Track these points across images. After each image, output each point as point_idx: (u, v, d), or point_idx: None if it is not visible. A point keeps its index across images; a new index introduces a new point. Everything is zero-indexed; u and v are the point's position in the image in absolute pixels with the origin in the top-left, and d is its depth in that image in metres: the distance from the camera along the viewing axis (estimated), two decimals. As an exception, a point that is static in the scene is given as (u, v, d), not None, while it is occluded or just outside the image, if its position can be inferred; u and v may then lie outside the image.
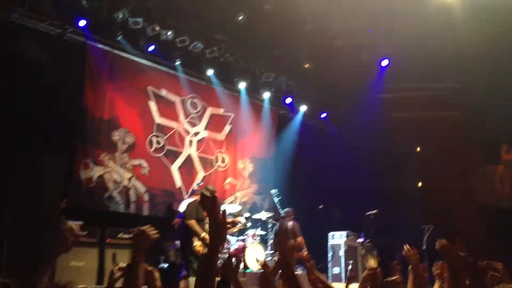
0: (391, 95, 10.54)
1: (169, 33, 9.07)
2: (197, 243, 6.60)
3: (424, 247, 8.62)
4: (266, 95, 11.24)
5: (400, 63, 10.34)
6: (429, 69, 10.02)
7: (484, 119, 10.34)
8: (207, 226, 7.01)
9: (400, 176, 11.27)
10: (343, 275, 9.06)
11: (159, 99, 9.57)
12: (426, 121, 10.83)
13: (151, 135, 9.34)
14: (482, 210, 10.62)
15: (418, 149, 11.59)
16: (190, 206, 6.83)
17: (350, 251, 9.39)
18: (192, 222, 6.57)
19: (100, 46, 8.70)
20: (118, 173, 8.64)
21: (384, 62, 10.57)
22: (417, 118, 10.83)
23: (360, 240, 9.42)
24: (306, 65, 10.87)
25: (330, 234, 9.69)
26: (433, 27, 8.86)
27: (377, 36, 9.63)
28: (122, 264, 3.13)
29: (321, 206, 10.79)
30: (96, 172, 8.31)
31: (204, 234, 6.50)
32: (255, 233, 8.45)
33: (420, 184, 11.61)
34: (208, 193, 6.92)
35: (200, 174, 10.02)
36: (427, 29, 8.92)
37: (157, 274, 2.63)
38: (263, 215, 9.09)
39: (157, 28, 8.92)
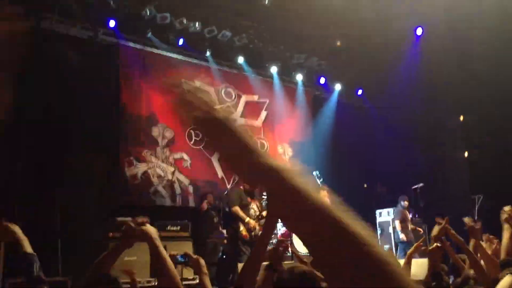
0: (428, 64, 10.21)
1: (197, 24, 9.10)
2: (243, 228, 6.68)
3: (476, 217, 8.36)
4: (299, 77, 11.12)
5: (435, 30, 9.97)
6: (465, 34, 9.62)
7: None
8: (252, 211, 7.09)
9: (444, 147, 10.94)
10: (394, 251, 8.93)
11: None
12: (467, 89, 10.44)
13: (189, 128, 9.41)
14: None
15: (462, 117, 11.20)
16: (233, 193, 6.90)
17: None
18: (236, 209, 6.66)
19: (131, 44, 8.83)
20: (161, 168, 8.80)
21: (419, 31, 10.21)
22: (456, 86, 10.45)
23: (409, 215, 9.24)
24: (338, 43, 10.66)
25: (378, 211, 9.56)
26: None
27: (408, 4, 9.31)
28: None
29: (366, 185, 10.65)
30: (140, 168, 8.50)
31: (248, 220, 6.56)
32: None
33: (466, 153, 11.23)
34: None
35: (241, 162, 10.05)
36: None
37: (202, 261, 2.65)
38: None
39: (185, 21, 8.97)
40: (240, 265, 6.28)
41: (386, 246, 9.04)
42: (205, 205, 7.51)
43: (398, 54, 10.39)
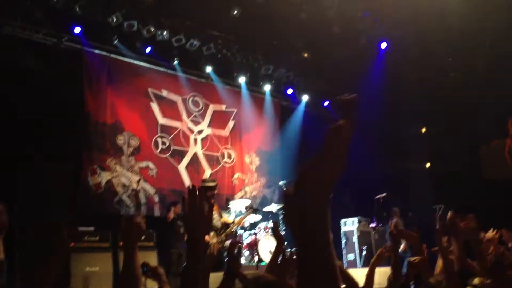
0: (392, 77, 10.48)
1: (165, 33, 9.06)
2: (211, 241, 6.70)
3: (437, 227, 8.57)
4: (267, 87, 11.20)
5: (399, 45, 10.27)
6: (428, 48, 9.96)
7: (488, 94, 10.25)
8: (214, 221, 7.10)
9: (407, 158, 11.22)
10: (358, 261, 9.05)
11: (160, 100, 9.57)
12: (430, 101, 10.77)
13: (155, 136, 9.36)
14: (491, 185, 10.54)
15: (424, 129, 11.53)
16: None
17: (364, 237, 9.38)
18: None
19: (97, 51, 8.72)
20: (126, 177, 8.67)
21: (383, 45, 10.48)
22: (420, 99, 10.77)
23: (373, 225, 9.40)
24: (305, 54, 10.82)
25: (342, 221, 9.68)
26: (426, 5, 8.77)
27: (373, 19, 9.57)
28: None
29: (331, 195, 10.75)
30: (103, 177, 8.35)
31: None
32: (267, 226, 8.45)
33: (428, 164, 11.55)
34: (208, 183, 7.09)
35: (207, 171, 10.03)
36: (421, 7, 8.83)
37: (160, 270, 2.62)
38: (273, 208, 9.09)
39: (152, 29, 8.92)
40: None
41: (351, 255, 9.16)
42: (171, 215, 7.45)
43: (363, 67, 10.63)
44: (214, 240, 6.97)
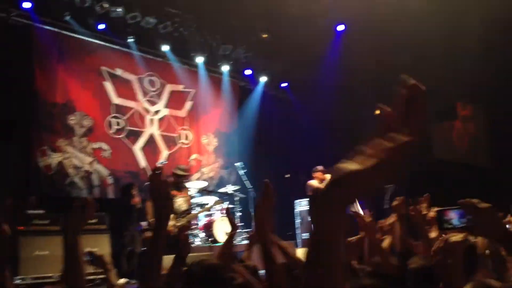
0: (349, 59, 10.61)
1: (119, 9, 8.78)
2: (170, 223, 6.69)
3: (386, 207, 8.86)
4: (225, 68, 11.10)
5: (356, 28, 10.37)
6: (384, 31, 10.10)
7: (440, 78, 10.57)
8: (176, 204, 7.09)
9: (363, 139, 11.45)
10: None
11: (114, 79, 9.32)
12: (385, 84, 10.98)
13: (109, 116, 9.13)
14: (442, 166, 10.97)
15: (378, 111, 11.78)
16: None
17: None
18: (148, 204, 6.77)
19: (47, 27, 8.35)
20: (78, 158, 8.44)
21: (340, 27, 10.56)
22: (376, 82, 10.96)
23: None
24: (264, 35, 10.76)
25: (297, 201, 9.83)
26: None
27: (331, 1, 9.60)
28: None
29: (287, 175, 10.90)
30: (54, 158, 8.10)
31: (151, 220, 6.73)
32: (222, 207, 8.48)
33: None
34: (180, 172, 7.08)
35: (164, 152, 9.91)
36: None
37: (106, 258, 2.59)
38: (230, 189, 9.13)
39: (106, 5, 8.61)
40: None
41: (305, 234, 9.35)
42: (137, 199, 7.31)
43: (321, 48, 10.70)
44: (172, 223, 6.99)
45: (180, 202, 7.32)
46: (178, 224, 7.10)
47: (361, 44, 10.38)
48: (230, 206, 8.82)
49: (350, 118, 11.46)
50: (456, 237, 2.40)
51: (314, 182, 8.37)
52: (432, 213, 4.01)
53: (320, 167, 8.50)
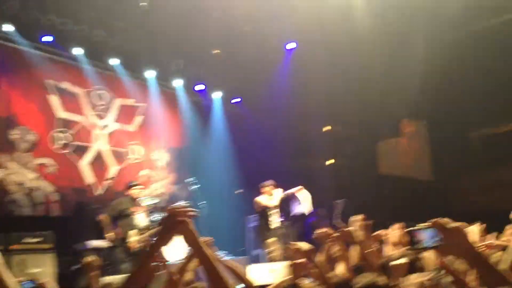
0: (300, 76, 10.85)
1: (67, 22, 8.54)
2: (131, 239, 6.63)
3: (338, 221, 9.04)
4: (177, 83, 11.03)
5: (307, 46, 10.64)
6: (333, 50, 10.42)
7: (385, 96, 11.00)
8: (136, 220, 6.95)
9: (312, 155, 11.69)
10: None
11: (60, 92, 9.02)
12: (334, 102, 11.29)
13: (55, 131, 8.80)
14: (388, 181, 11.35)
15: (328, 128, 12.08)
16: (114, 201, 7.14)
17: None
18: (103, 218, 6.69)
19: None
20: (21, 174, 8.06)
21: (290, 45, 10.79)
22: (325, 99, 11.26)
23: (281, 219, 9.63)
24: (216, 51, 10.80)
25: (249, 216, 9.81)
26: (333, 11, 9.18)
27: (282, 20, 9.82)
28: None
29: (239, 191, 10.89)
30: (-6, 175, 7.69)
31: (109, 234, 6.80)
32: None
33: (331, 161, 12.12)
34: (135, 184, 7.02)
35: (113, 168, 9.66)
36: (327, 12, 9.22)
37: (50, 285, 2.52)
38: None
39: (54, 18, 8.36)
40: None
41: (255, 251, 9.34)
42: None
43: (274, 65, 10.88)
44: (135, 239, 6.85)
45: (140, 218, 7.18)
46: (140, 239, 6.96)
47: (310, 62, 10.66)
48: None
49: (300, 134, 11.68)
50: (400, 260, 2.50)
51: (261, 198, 8.40)
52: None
53: (268, 182, 8.54)
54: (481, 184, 10.80)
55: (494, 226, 4.92)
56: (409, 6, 9.22)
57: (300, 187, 8.50)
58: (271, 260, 7.87)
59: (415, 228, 1.90)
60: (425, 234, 1.66)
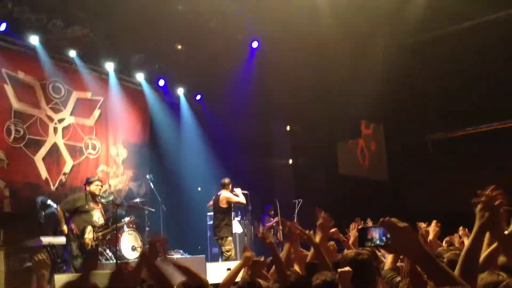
0: (262, 76, 10.88)
1: (24, 10, 8.19)
2: (88, 236, 6.46)
3: (295, 220, 9.16)
4: (138, 77, 10.80)
5: (271, 44, 10.68)
6: (297, 50, 10.51)
7: (346, 97, 11.21)
8: (95, 217, 6.77)
9: (272, 155, 11.77)
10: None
11: (15, 82, 8.64)
12: (295, 101, 11.41)
13: (8, 122, 8.44)
14: (346, 181, 11.57)
15: (288, 128, 12.20)
16: (73, 195, 7.07)
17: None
18: (60, 210, 6.56)
19: None
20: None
21: (254, 44, 10.81)
22: (286, 98, 11.35)
23: (237, 218, 9.67)
24: (179, 46, 10.66)
25: (209, 214, 9.78)
26: (298, 11, 9.27)
27: (246, 18, 9.81)
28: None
29: (199, 189, 10.82)
30: None
31: (63, 228, 6.66)
32: (131, 221, 8.19)
33: (290, 161, 12.24)
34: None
35: (69, 163, 9.36)
36: (292, 13, 9.29)
37: None
38: (138, 202, 8.89)
39: (9, 5, 8.00)
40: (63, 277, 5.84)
41: (215, 249, 9.32)
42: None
43: (236, 63, 10.86)
44: (91, 236, 6.68)
45: (98, 215, 7.01)
46: (96, 236, 6.82)
47: (274, 60, 10.71)
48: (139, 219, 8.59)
49: (262, 132, 11.73)
50: (346, 268, 2.57)
51: (230, 195, 8.32)
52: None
53: (227, 180, 8.49)
54: (435, 187, 11.20)
55: (446, 227, 5.12)
56: (372, 8, 9.41)
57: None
58: (229, 258, 7.86)
59: (367, 226, 1.95)
60: (377, 232, 1.70)
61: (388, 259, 3.17)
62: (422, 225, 4.86)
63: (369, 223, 4.58)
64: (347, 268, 2.60)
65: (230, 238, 8.14)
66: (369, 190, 11.72)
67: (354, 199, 10.95)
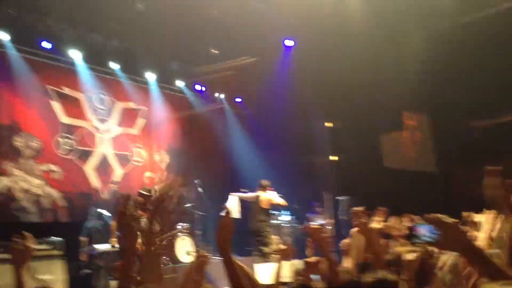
0: (299, 74, 10.84)
1: (65, 27, 8.55)
2: (139, 242, 6.64)
3: (340, 218, 9.07)
4: (177, 84, 11.05)
5: (304, 42, 10.63)
6: (331, 45, 10.41)
7: (385, 89, 10.99)
8: (142, 223, 6.94)
9: (314, 152, 11.69)
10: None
11: (62, 97, 9.04)
12: (334, 97, 11.29)
13: (58, 136, 8.83)
14: (391, 174, 11.34)
15: (329, 124, 12.08)
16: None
17: (275, 229, 9.59)
18: (112, 223, 6.69)
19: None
20: (27, 181, 8.09)
21: (289, 43, 10.80)
22: (325, 94, 11.25)
23: (288, 218, 9.68)
24: (214, 51, 10.80)
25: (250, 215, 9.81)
26: (329, 5, 9.18)
27: (279, 17, 9.81)
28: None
29: (244, 189, 10.89)
30: (1, 182, 7.72)
31: (114, 240, 6.82)
32: (185, 227, 8.36)
33: (334, 157, 12.12)
34: (146, 192, 7.06)
35: (118, 171, 9.68)
36: (323, 8, 9.21)
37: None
38: (188, 207, 9.08)
39: (52, 24, 8.38)
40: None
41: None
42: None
43: (272, 63, 10.88)
44: (140, 241, 6.89)
45: (145, 222, 7.18)
46: (152, 241, 6.98)
47: (308, 58, 10.65)
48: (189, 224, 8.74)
49: (302, 130, 11.67)
50: (411, 255, 2.51)
51: (271, 195, 8.35)
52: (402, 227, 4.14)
53: (266, 182, 8.50)
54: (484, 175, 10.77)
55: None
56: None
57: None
58: (271, 258, 7.86)
59: (416, 224, 1.92)
60: (424, 229, 1.68)
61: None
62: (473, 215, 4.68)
63: (416, 219, 4.48)
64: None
65: (272, 237, 8.18)
66: (417, 182, 11.43)
67: (401, 192, 10.72)
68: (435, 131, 12.45)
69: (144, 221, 7.08)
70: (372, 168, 11.35)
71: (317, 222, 10.27)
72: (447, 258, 2.96)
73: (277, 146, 11.21)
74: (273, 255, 7.93)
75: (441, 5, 9.50)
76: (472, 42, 10.32)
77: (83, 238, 7.61)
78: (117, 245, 6.81)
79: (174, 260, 7.69)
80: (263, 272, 6.87)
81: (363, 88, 10.80)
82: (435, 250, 3.93)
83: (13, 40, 8.22)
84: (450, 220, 1.59)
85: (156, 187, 10.38)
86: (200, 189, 9.48)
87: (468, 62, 10.55)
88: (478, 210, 4.86)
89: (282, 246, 3.47)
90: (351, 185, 10.68)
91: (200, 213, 9.04)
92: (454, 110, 11.40)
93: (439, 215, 1.60)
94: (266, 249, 8.05)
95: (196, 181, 9.67)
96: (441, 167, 12.26)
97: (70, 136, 9.01)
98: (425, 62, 10.54)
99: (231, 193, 8.53)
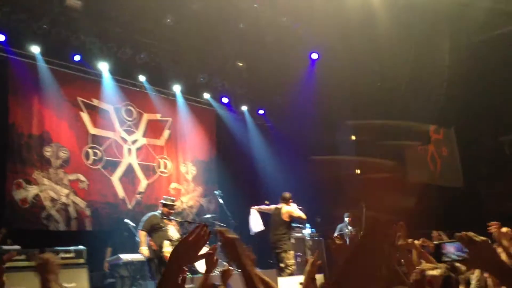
0: (323, 86, 10.84)
1: (95, 40, 8.80)
2: (165, 249, 6.74)
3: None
4: (203, 96, 11.18)
5: (330, 54, 10.64)
6: (357, 58, 10.39)
7: (411, 103, 10.87)
8: (169, 232, 7.04)
9: (339, 165, 11.60)
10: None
11: (91, 109, 9.27)
12: (359, 110, 11.23)
13: (86, 147, 9.04)
14: (417, 189, 11.15)
15: (354, 137, 12.00)
16: (146, 217, 7.18)
17: (298, 243, 9.53)
18: (140, 233, 6.78)
19: (22, 59, 8.31)
20: (55, 191, 8.30)
21: (314, 55, 10.82)
22: (350, 107, 11.21)
23: (308, 231, 9.60)
24: (240, 64, 10.92)
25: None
26: (355, 18, 9.18)
27: (305, 31, 9.86)
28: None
29: (267, 202, 10.88)
30: (30, 191, 7.95)
31: (141, 248, 6.87)
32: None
33: (358, 171, 12.01)
34: (169, 202, 7.14)
35: (143, 182, 9.82)
36: (349, 21, 9.22)
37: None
38: (209, 218, 9.11)
39: (82, 37, 8.63)
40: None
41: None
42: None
43: (297, 76, 10.91)
44: (169, 249, 6.96)
45: (173, 230, 7.28)
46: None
47: (335, 71, 10.65)
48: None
49: (326, 142, 11.62)
50: (434, 271, 2.47)
51: (291, 208, 8.30)
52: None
53: (288, 194, 8.45)
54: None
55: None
56: (432, 10, 9.13)
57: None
58: (292, 273, 7.77)
59: (443, 241, 1.89)
60: (452, 247, 1.65)
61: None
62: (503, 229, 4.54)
63: (444, 237, 4.39)
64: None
65: (292, 252, 8.09)
66: (443, 197, 11.21)
67: (427, 207, 10.52)
68: (463, 146, 12.22)
69: (170, 228, 7.03)
70: (397, 182, 11.17)
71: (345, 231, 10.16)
72: (475, 276, 2.91)
73: (302, 158, 11.18)
74: (289, 269, 7.83)
75: (472, 18, 9.38)
76: (502, 55, 10.14)
77: (108, 248, 7.74)
78: (145, 255, 6.87)
79: (193, 270, 7.70)
80: (286, 285, 6.84)
81: (389, 101, 10.71)
82: (462, 267, 3.85)
83: (43, 53, 8.50)
84: (479, 238, 1.57)
85: (183, 198, 10.49)
86: (220, 200, 9.52)
87: (497, 76, 10.36)
88: (507, 225, 4.75)
89: (309, 260, 3.44)
90: (374, 199, 10.53)
91: (221, 224, 9.06)
92: (481, 124, 11.18)
93: (469, 233, 1.58)
94: (281, 264, 7.94)
95: (216, 192, 9.72)
96: (469, 182, 11.99)
97: (98, 146, 9.21)
98: (452, 74, 10.40)
99: (252, 207, 8.52)
